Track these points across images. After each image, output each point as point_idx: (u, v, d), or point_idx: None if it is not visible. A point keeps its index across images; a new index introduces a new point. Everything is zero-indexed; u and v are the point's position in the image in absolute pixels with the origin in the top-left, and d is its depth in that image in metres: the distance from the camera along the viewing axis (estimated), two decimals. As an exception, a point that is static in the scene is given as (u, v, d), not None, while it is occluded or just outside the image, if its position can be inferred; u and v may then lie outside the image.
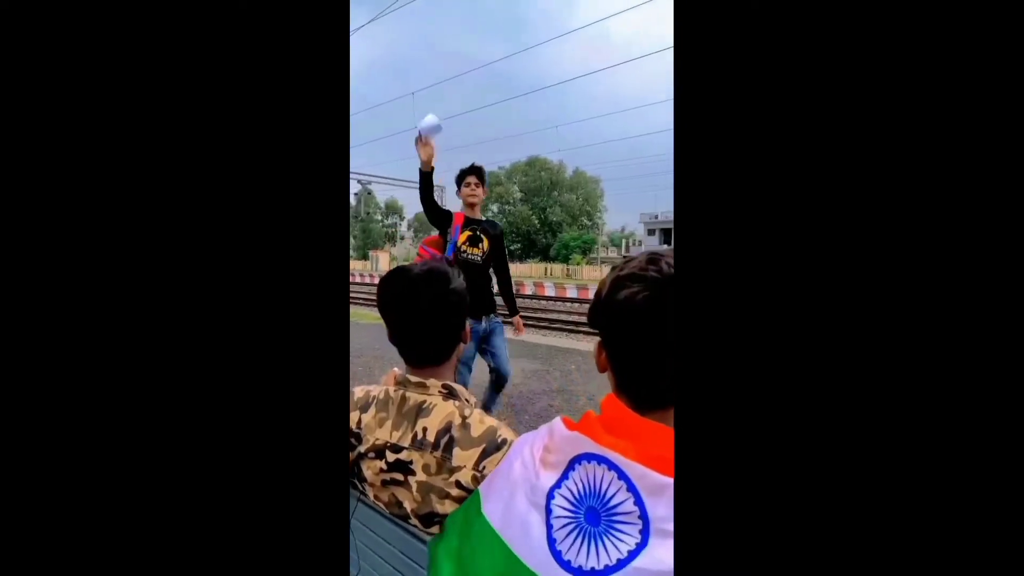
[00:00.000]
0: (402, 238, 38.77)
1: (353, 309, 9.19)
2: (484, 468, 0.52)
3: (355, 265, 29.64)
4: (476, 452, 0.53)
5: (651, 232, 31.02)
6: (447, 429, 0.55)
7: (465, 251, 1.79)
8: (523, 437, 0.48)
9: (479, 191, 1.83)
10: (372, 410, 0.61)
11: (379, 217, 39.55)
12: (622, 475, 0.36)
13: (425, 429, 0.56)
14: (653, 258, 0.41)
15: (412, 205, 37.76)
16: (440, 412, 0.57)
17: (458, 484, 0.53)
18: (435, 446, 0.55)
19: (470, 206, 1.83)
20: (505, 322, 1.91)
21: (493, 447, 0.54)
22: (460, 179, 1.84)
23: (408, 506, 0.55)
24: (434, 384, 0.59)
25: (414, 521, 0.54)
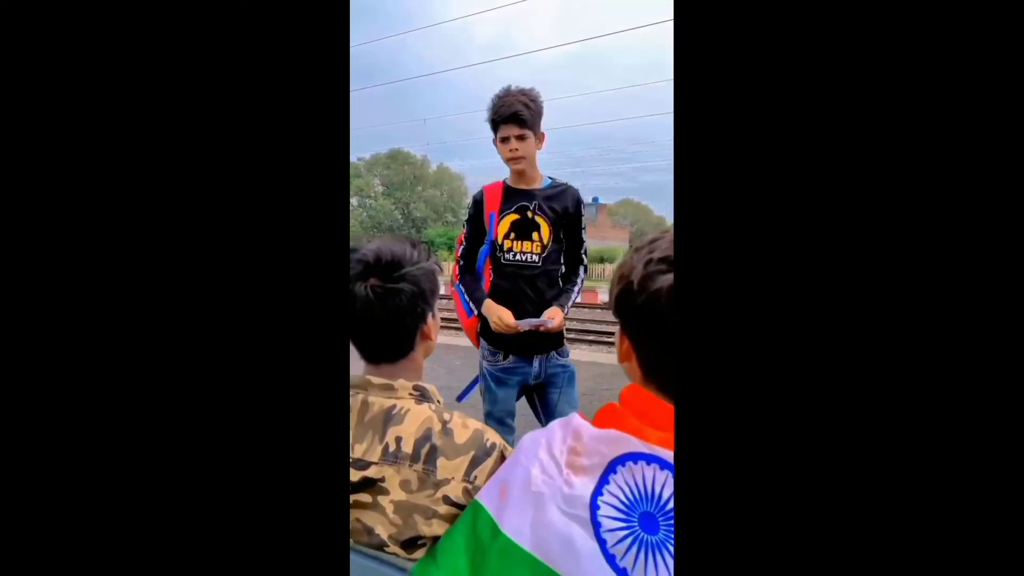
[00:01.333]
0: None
1: None
2: (475, 478, 0.48)
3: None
4: (464, 461, 0.48)
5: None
6: (427, 437, 0.49)
7: (510, 250, 1.09)
8: (529, 438, 0.43)
9: (524, 145, 1.05)
10: None
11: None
12: None
13: (399, 439, 0.49)
14: None
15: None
16: (415, 418, 0.50)
17: (446, 500, 0.47)
18: (414, 458, 0.48)
19: (517, 173, 1.10)
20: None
21: (483, 453, 0.49)
22: (494, 129, 1.08)
23: (383, 532, 0.47)
24: (403, 386, 0.53)
25: (392, 549, 0.47)
